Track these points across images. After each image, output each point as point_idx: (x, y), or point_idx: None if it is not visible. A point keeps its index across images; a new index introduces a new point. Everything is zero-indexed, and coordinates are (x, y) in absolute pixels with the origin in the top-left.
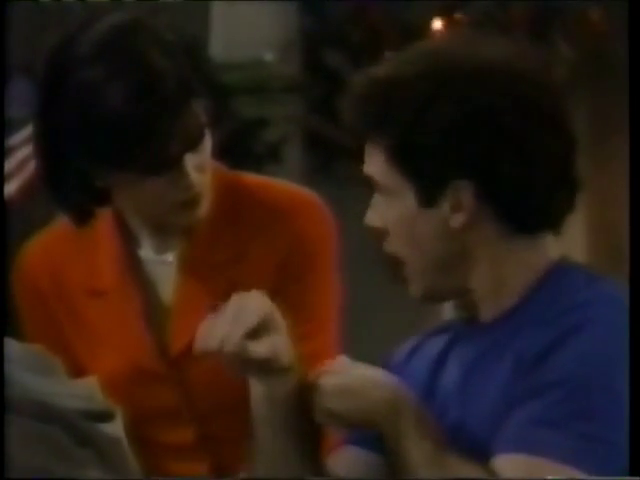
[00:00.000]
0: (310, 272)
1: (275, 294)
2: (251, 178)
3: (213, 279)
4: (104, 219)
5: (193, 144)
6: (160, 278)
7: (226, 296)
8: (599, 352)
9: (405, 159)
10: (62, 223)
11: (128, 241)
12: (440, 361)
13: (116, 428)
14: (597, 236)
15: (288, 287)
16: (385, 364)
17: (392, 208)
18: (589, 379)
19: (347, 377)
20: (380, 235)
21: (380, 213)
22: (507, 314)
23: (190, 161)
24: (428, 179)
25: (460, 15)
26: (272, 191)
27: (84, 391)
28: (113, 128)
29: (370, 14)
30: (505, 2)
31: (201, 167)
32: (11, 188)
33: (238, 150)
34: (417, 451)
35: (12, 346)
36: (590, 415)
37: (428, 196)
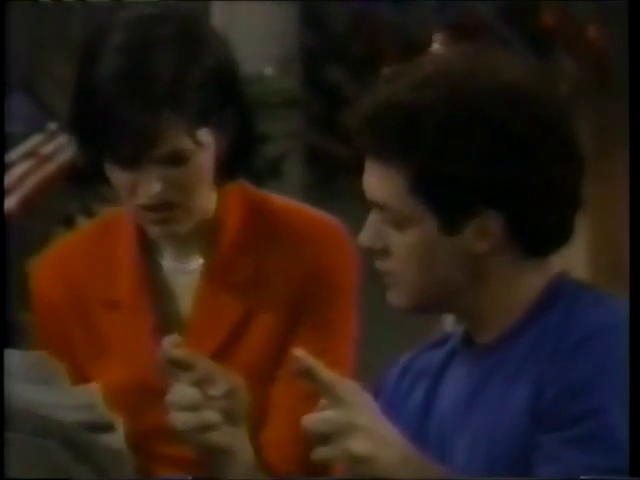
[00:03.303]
0: (331, 303)
1: (294, 322)
2: (280, 200)
3: (233, 298)
4: (126, 227)
5: (155, 152)
6: (180, 289)
7: (244, 317)
8: (615, 361)
9: (431, 187)
10: (79, 231)
11: (150, 250)
12: (436, 381)
13: (117, 439)
14: (598, 252)
15: (308, 316)
16: (376, 386)
17: (406, 234)
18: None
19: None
20: (375, 255)
21: (377, 234)
22: (511, 333)
23: (159, 171)
24: (454, 207)
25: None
26: (299, 216)
27: (85, 400)
28: (93, 101)
29: (371, 29)
30: (507, 17)
31: (179, 184)
32: (11, 202)
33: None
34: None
35: (12, 356)
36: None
37: (452, 224)
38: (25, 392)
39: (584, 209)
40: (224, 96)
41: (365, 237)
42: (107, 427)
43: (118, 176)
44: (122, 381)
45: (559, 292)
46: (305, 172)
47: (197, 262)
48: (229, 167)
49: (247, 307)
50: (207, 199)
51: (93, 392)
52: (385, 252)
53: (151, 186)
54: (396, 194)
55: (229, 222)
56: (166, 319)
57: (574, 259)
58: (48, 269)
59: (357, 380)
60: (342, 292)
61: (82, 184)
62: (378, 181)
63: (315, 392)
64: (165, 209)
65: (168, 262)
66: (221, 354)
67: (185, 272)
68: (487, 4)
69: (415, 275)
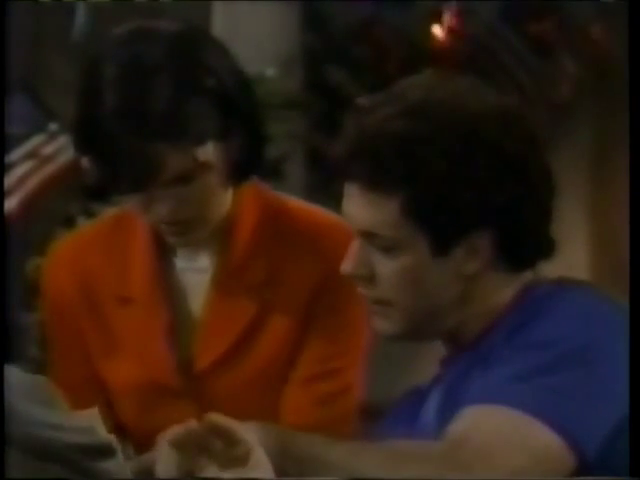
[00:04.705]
0: (345, 305)
1: (306, 324)
2: (296, 203)
3: (246, 299)
4: (139, 224)
5: (159, 179)
6: (192, 289)
7: (256, 318)
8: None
9: (426, 212)
10: (91, 227)
11: (163, 247)
12: (424, 398)
13: (117, 464)
14: (599, 253)
15: (322, 318)
16: (387, 411)
17: (396, 259)
18: (555, 344)
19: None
20: (361, 282)
21: (363, 261)
22: (482, 335)
23: (167, 192)
24: (448, 230)
25: (465, 33)
26: (313, 219)
27: (85, 424)
28: (95, 135)
29: (373, 30)
30: (510, 17)
31: (190, 201)
32: (11, 203)
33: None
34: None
35: (15, 375)
36: (555, 371)
37: (444, 246)
38: (25, 411)
39: (585, 210)
40: (228, 109)
41: (351, 265)
42: (108, 451)
43: (130, 198)
44: (133, 378)
45: (530, 294)
46: (306, 174)
47: (210, 261)
48: (242, 167)
49: (259, 309)
50: (221, 202)
51: (94, 416)
52: (372, 279)
53: (162, 207)
54: (387, 221)
55: (243, 223)
56: (179, 317)
57: (575, 260)
58: (60, 263)
59: (370, 388)
60: (355, 297)
61: (97, 198)
62: (366, 209)
63: (326, 396)
64: (180, 223)
65: (181, 260)
66: (232, 355)
67: (198, 271)
68: (487, 4)
69: (407, 300)
